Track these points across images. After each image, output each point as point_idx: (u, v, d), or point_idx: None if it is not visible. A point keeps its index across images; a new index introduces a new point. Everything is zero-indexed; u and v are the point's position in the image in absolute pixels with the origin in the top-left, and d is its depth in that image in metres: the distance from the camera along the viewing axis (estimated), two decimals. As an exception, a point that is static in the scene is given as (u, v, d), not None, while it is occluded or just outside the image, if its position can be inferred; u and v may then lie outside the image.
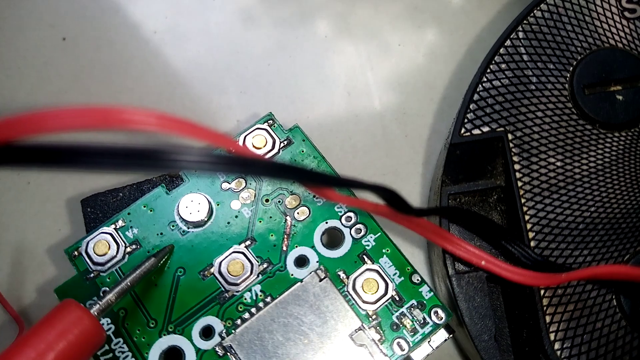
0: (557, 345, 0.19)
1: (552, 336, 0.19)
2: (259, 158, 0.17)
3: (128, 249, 0.21)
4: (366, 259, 0.20)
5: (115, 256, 0.20)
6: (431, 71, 0.25)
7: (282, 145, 0.22)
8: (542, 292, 0.19)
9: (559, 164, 0.20)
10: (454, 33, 0.25)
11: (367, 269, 0.20)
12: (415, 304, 0.20)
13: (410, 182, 0.24)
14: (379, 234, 0.21)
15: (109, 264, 0.20)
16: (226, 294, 0.20)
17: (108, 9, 0.26)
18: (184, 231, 0.21)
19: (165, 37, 0.25)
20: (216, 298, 0.20)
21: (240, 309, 0.20)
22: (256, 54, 0.25)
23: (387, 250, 0.20)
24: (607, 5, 0.21)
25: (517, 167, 0.20)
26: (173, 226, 0.21)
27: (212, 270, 0.20)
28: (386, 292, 0.20)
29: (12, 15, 0.26)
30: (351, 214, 0.21)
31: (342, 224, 0.21)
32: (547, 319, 0.19)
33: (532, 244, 0.19)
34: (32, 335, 0.16)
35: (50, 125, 0.12)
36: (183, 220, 0.21)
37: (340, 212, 0.21)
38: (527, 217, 0.19)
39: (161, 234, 0.21)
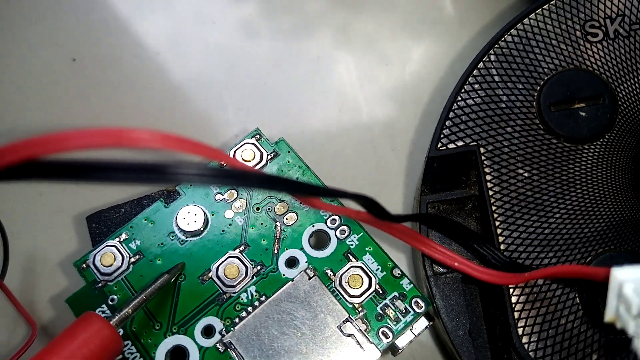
0: (524, 340, 0.20)
1: (520, 331, 0.20)
2: (252, 171, 0.19)
3: (132, 259, 0.23)
4: (351, 257, 0.22)
5: (120, 266, 0.22)
6: (417, 88, 0.27)
7: (269, 157, 0.24)
8: (511, 290, 0.21)
9: (526, 174, 0.22)
10: (439, 51, 0.27)
11: (352, 266, 0.22)
12: (397, 295, 0.22)
13: (396, 192, 0.26)
14: (362, 234, 0.23)
15: (115, 274, 0.22)
16: (224, 296, 0.22)
17: (115, 30, 0.28)
18: (182, 240, 0.23)
19: (168, 57, 0.27)
20: (215, 299, 0.22)
21: (237, 309, 0.22)
22: (252, 70, 0.27)
23: (370, 248, 0.22)
24: (572, 30, 0.23)
25: (488, 177, 0.22)
26: (172, 236, 0.23)
27: (210, 274, 0.22)
28: (370, 286, 0.22)
29: (23, 35, 0.27)
30: (336, 217, 0.23)
31: (327, 227, 0.23)
32: (516, 315, 0.21)
33: (502, 247, 0.21)
34: (56, 345, 0.18)
35: (72, 144, 0.14)
36: (181, 230, 0.23)
37: (326, 215, 0.23)
38: (497, 223, 0.21)
39: (162, 244, 0.23)
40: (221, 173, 0.14)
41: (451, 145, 0.22)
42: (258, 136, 0.24)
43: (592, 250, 0.21)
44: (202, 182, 0.14)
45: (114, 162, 0.14)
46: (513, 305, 0.21)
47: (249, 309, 0.22)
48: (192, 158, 0.24)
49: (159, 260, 0.23)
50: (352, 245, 0.23)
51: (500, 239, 0.21)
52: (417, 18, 0.28)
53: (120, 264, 0.22)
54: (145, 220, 0.23)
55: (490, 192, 0.22)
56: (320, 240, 0.23)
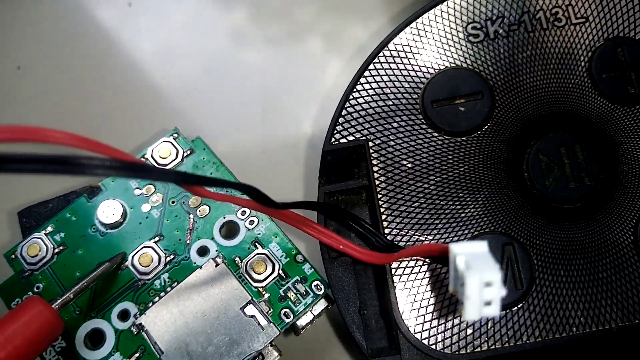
0: (404, 315, 0.22)
1: (400, 307, 0.22)
2: (142, 164, 0.21)
3: (56, 250, 0.25)
4: (258, 245, 0.24)
5: (45, 256, 0.25)
6: (335, 86, 0.29)
7: (185, 154, 0.26)
8: (393, 270, 0.23)
9: (410, 165, 0.24)
10: (354, 53, 0.29)
11: (258, 253, 0.24)
12: (299, 279, 0.24)
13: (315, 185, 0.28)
14: (269, 223, 0.25)
15: (40, 264, 0.24)
16: (139, 283, 0.24)
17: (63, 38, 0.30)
18: (102, 232, 0.25)
19: (120, 62, 0.30)
20: (131, 286, 0.24)
21: (151, 294, 0.24)
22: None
23: (276, 237, 0.25)
24: (455, 32, 0.25)
25: (375, 169, 0.24)
26: (94, 229, 0.25)
27: (126, 263, 0.24)
28: (273, 271, 0.24)
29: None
30: (245, 209, 0.25)
31: (237, 218, 0.25)
32: (397, 293, 0.23)
33: (386, 231, 0.23)
34: (1, 324, 0.20)
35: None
36: (101, 223, 0.25)
37: (236, 207, 0.25)
38: (382, 210, 0.23)
39: (83, 235, 0.25)
40: (114, 164, 0.16)
41: (343, 140, 0.24)
42: (176, 135, 0.26)
43: (469, 233, 0.23)
44: (95, 173, 0.16)
45: (27, 154, 0.16)
46: (394, 284, 0.23)
47: (162, 294, 0.24)
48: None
49: (81, 250, 0.25)
50: (259, 234, 0.25)
51: (385, 224, 0.23)
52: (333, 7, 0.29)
53: (45, 254, 0.25)
54: (69, 214, 0.25)
55: (377, 182, 0.24)
56: (230, 230, 0.25)
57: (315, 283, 0.24)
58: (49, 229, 0.25)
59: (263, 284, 0.24)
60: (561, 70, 0.24)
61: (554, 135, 0.24)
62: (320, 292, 0.24)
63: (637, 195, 0.23)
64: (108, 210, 0.25)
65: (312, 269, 0.24)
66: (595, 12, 0.25)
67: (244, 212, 0.25)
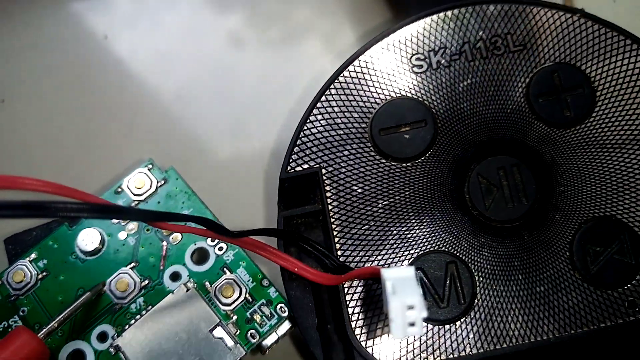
0: (357, 331, 0.24)
1: (353, 324, 0.24)
2: (97, 203, 0.23)
3: (40, 276, 0.27)
4: (226, 271, 0.26)
5: (29, 282, 0.27)
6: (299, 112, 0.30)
7: (159, 184, 0.28)
8: (345, 289, 0.25)
9: (360, 190, 0.25)
10: (312, 76, 0.31)
11: (226, 278, 0.26)
12: (265, 302, 0.26)
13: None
14: (237, 250, 0.27)
15: (25, 289, 0.27)
16: (117, 306, 0.26)
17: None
18: (82, 259, 0.27)
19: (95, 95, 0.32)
20: (110, 309, 0.26)
21: (128, 317, 0.26)
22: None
23: (243, 263, 0.27)
24: (400, 64, 0.27)
25: (328, 194, 0.26)
26: (74, 256, 0.27)
27: (105, 288, 0.27)
28: (240, 295, 0.26)
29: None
30: None
31: (207, 244, 0.27)
32: (350, 310, 0.24)
33: (339, 253, 0.25)
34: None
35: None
36: (81, 250, 0.27)
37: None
38: (335, 232, 0.25)
39: (65, 262, 0.27)
40: (84, 207, 0.18)
41: (298, 168, 0.26)
42: (150, 165, 0.28)
43: (414, 252, 0.25)
44: (64, 215, 0.18)
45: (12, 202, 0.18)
46: (347, 302, 0.24)
47: (138, 317, 0.26)
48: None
49: (62, 276, 0.27)
50: (228, 260, 0.27)
51: (338, 245, 0.25)
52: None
53: (29, 280, 0.27)
54: (51, 242, 0.27)
55: (330, 207, 0.25)
56: (201, 256, 0.27)
57: (279, 306, 0.26)
58: (33, 255, 0.27)
59: (231, 307, 0.26)
60: (500, 97, 0.26)
61: (493, 159, 0.25)
62: (285, 314, 0.26)
63: (572, 213, 0.25)
64: (87, 239, 0.27)
65: (277, 293, 0.26)
66: (533, 40, 0.26)
67: (213, 239, 0.27)
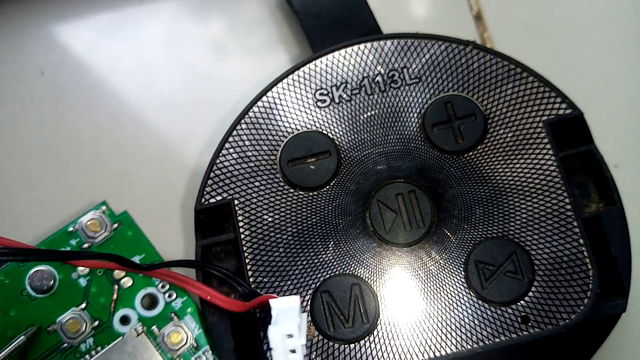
0: (268, 354, 0.26)
1: (264, 347, 0.26)
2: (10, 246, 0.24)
3: (-11, 314, 0.28)
4: (174, 317, 0.28)
5: (-23, 319, 0.28)
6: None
7: (114, 227, 0.29)
8: (257, 314, 0.26)
9: (270, 219, 0.27)
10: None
11: (174, 325, 0.28)
12: (208, 348, 0.27)
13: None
14: (185, 297, 0.28)
15: (-28, 326, 0.27)
16: (66, 345, 0.27)
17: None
18: (33, 296, 0.28)
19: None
20: (59, 348, 0.27)
21: (77, 356, 0.27)
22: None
23: (190, 310, 0.28)
24: (305, 99, 0.28)
25: (241, 224, 0.27)
26: (25, 293, 0.28)
27: (55, 327, 0.27)
28: (187, 341, 0.27)
29: None
30: (165, 283, 0.28)
31: (158, 290, 0.28)
32: (262, 334, 0.26)
33: (251, 279, 0.27)
34: None
35: None
36: (32, 287, 0.28)
37: (157, 281, 0.28)
38: (247, 260, 0.27)
39: (15, 298, 0.28)
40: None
41: (212, 200, 0.28)
42: (105, 208, 0.29)
43: (321, 277, 0.27)
44: None
45: None
46: (259, 327, 0.26)
47: (87, 357, 0.27)
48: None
49: (13, 312, 0.27)
50: (176, 307, 0.28)
51: (250, 272, 0.27)
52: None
53: (-23, 317, 0.28)
54: (2, 277, 0.28)
55: (242, 236, 0.27)
56: (152, 301, 0.28)
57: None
58: (-17, 289, 0.28)
59: (178, 352, 0.27)
60: (398, 127, 0.28)
61: (391, 186, 0.27)
62: None
63: (466, 235, 0.27)
64: (39, 276, 0.28)
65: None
66: (427, 73, 0.29)
67: (163, 286, 0.28)
